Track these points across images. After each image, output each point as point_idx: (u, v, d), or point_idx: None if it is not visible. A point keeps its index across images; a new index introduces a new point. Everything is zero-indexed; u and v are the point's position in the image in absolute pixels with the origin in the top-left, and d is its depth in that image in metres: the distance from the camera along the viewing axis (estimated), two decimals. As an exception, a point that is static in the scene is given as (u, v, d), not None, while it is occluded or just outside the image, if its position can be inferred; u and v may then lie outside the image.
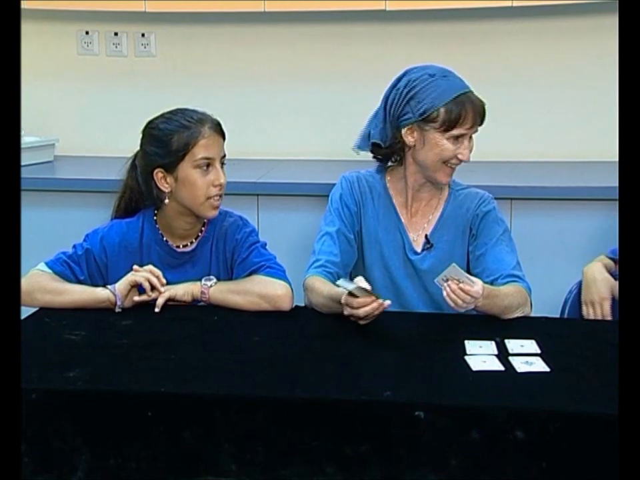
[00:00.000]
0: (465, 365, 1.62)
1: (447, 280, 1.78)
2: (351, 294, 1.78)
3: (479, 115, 2.00)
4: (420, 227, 2.15)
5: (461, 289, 1.77)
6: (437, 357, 1.67)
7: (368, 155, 2.17)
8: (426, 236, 2.14)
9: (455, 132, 2.00)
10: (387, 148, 2.10)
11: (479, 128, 2.05)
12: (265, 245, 2.05)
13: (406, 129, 2.04)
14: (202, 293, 1.95)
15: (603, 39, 3.07)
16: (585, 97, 3.16)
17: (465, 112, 1.98)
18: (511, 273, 2.00)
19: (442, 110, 1.99)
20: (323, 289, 1.97)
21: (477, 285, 1.78)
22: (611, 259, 2.13)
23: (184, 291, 1.96)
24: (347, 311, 1.81)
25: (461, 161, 2.03)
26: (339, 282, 1.82)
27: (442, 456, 1.46)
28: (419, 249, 2.14)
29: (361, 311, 1.78)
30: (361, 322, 1.81)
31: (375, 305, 1.77)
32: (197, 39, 3.39)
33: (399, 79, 2.06)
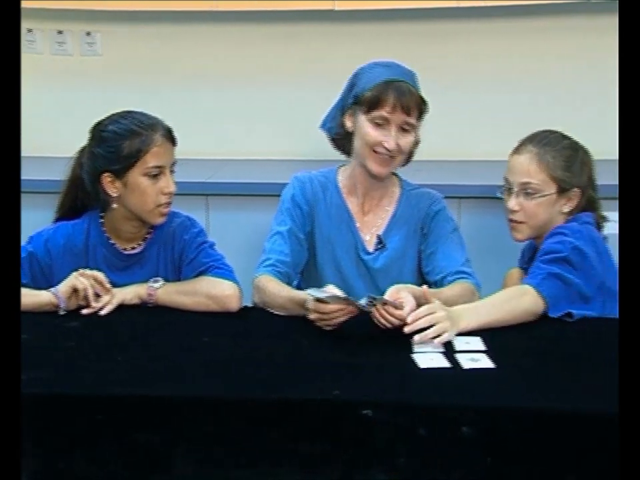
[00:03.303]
0: (413, 362, 1.65)
1: (374, 305, 1.76)
2: (319, 299, 1.78)
3: (405, 104, 2.01)
4: (372, 227, 2.18)
5: (387, 312, 1.75)
6: (385, 356, 1.70)
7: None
8: (378, 236, 2.17)
9: (376, 113, 2.02)
10: (335, 134, 2.15)
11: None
12: (213, 245, 2.05)
13: (347, 114, 2.10)
14: (149, 294, 1.95)
15: (575, 39, 3.13)
16: (526, 97, 3.21)
17: (386, 95, 2.01)
18: (460, 270, 2.04)
19: (368, 93, 2.03)
20: (280, 289, 1.98)
21: (407, 306, 1.75)
22: (523, 268, 2.21)
23: (131, 295, 1.95)
24: (313, 316, 1.81)
25: (388, 150, 2.04)
26: (308, 291, 1.81)
27: (390, 454, 1.48)
28: (371, 249, 2.16)
29: (332, 316, 1.77)
30: (327, 328, 1.80)
31: (346, 311, 1.77)
32: (143, 38, 3.36)
33: None
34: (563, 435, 1.44)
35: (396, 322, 1.75)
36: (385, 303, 1.76)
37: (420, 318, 1.73)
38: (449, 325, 1.74)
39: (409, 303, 1.76)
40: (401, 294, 1.78)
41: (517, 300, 1.87)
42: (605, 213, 2.15)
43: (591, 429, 1.44)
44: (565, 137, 2.11)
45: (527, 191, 2.06)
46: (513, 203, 2.08)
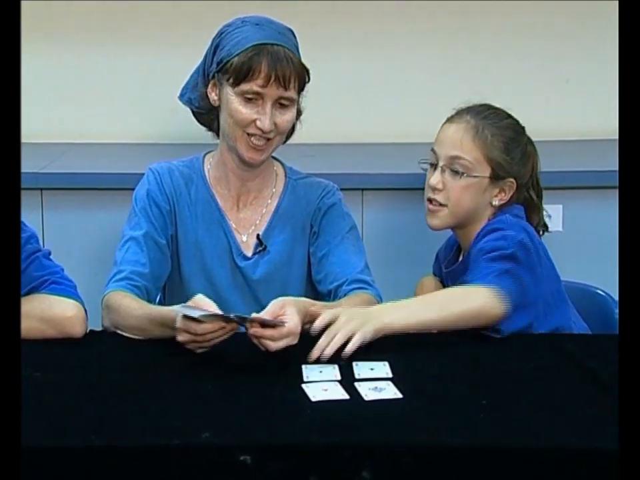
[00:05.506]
0: (303, 394, 1.67)
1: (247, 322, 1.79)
2: (189, 317, 1.78)
3: (282, 74, 2.02)
4: (250, 226, 2.20)
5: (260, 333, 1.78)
6: (268, 387, 1.72)
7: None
8: (258, 236, 2.19)
9: (245, 87, 2.04)
10: (198, 107, 2.18)
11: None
12: (49, 254, 2.04)
13: (211, 84, 2.12)
14: (-39, 320, 1.92)
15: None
16: (442, 63, 3.30)
17: (257, 64, 2.02)
18: (358, 278, 2.09)
19: (235, 59, 2.05)
20: (137, 307, 1.98)
21: (290, 323, 1.79)
22: (438, 277, 2.30)
23: None
24: (182, 337, 1.81)
25: (262, 131, 2.05)
26: (177, 309, 1.82)
27: (274, 508, 1.51)
28: (249, 253, 2.19)
29: (207, 337, 1.79)
30: (199, 350, 1.82)
31: (226, 330, 1.78)
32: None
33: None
34: (482, 475, 1.50)
35: (272, 345, 1.78)
36: (252, 321, 1.77)
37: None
38: (356, 324, 1.79)
39: (292, 321, 1.78)
40: (286, 310, 1.80)
41: (462, 298, 1.90)
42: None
43: (515, 467, 1.50)
44: (509, 116, 2.18)
45: (454, 167, 2.11)
46: (436, 179, 2.13)
